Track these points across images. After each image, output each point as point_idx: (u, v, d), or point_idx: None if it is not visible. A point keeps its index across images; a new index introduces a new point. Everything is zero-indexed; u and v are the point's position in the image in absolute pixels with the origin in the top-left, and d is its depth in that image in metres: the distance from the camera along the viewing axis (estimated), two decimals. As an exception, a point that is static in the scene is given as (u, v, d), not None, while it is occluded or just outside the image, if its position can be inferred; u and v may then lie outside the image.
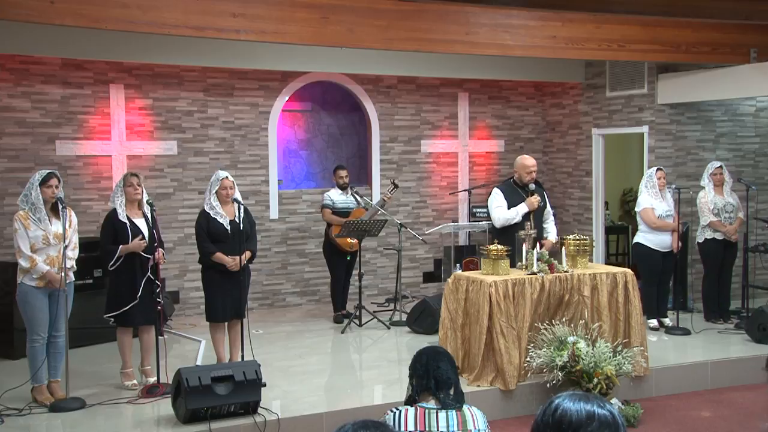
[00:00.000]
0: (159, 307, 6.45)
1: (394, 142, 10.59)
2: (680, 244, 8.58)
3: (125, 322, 6.50)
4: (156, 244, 6.44)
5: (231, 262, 6.62)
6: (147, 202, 6.54)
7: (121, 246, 6.34)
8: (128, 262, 6.41)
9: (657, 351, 7.46)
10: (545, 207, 7.58)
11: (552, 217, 7.76)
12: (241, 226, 6.60)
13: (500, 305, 6.39)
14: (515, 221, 7.28)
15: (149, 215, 6.49)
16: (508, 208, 7.33)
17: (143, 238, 6.41)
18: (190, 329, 8.71)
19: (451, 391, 3.49)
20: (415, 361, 3.59)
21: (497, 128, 11.23)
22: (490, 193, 7.70)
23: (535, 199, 7.34)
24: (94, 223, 8.88)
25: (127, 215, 6.44)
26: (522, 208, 7.28)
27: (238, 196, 6.71)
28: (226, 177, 6.71)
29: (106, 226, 6.49)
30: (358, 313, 8.81)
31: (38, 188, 6.01)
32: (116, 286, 6.47)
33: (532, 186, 7.44)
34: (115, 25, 6.50)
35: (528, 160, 7.51)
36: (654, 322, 8.51)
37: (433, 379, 3.47)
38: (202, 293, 7.07)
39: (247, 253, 6.71)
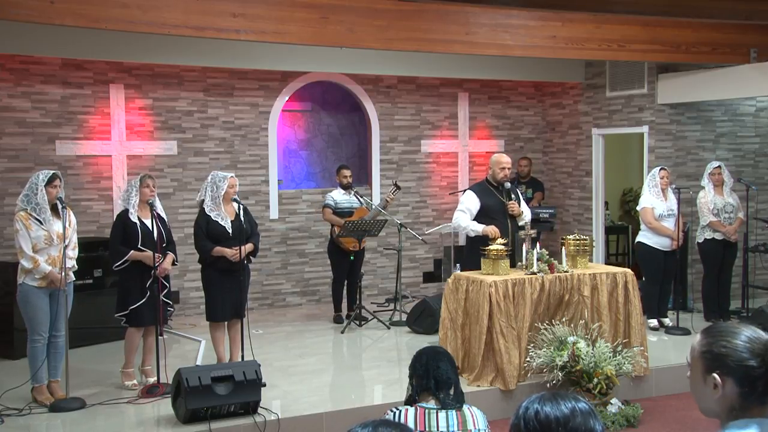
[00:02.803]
0: (170, 308, 6.48)
1: (394, 142, 10.59)
2: (681, 242, 8.58)
3: (136, 322, 6.50)
4: (165, 245, 6.47)
5: (231, 252, 6.60)
6: (147, 202, 6.55)
7: (132, 251, 6.35)
8: (137, 261, 6.42)
9: (657, 351, 7.47)
10: (519, 203, 7.38)
11: (524, 202, 7.55)
12: (243, 224, 6.63)
13: (500, 305, 6.39)
14: (466, 231, 7.16)
15: (163, 215, 6.52)
16: (482, 208, 7.15)
17: (154, 242, 6.40)
18: (190, 329, 8.71)
19: (451, 391, 3.49)
20: (415, 361, 3.59)
21: (497, 128, 11.24)
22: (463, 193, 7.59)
23: (515, 207, 7.19)
24: (94, 223, 8.89)
25: (138, 215, 6.46)
26: (477, 228, 7.04)
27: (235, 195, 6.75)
28: (232, 176, 6.76)
29: (117, 225, 6.52)
30: (357, 313, 8.82)
31: (44, 189, 6.02)
32: (125, 284, 6.49)
33: (507, 185, 7.27)
34: (115, 25, 6.50)
35: (503, 157, 7.36)
36: (654, 322, 8.51)
37: (433, 379, 3.47)
38: (202, 293, 7.08)
39: (249, 245, 6.71)
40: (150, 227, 6.45)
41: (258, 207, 9.68)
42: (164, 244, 6.47)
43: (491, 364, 6.48)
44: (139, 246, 6.39)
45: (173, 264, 6.63)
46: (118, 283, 6.64)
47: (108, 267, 7.87)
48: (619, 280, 6.85)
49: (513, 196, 7.29)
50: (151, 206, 6.49)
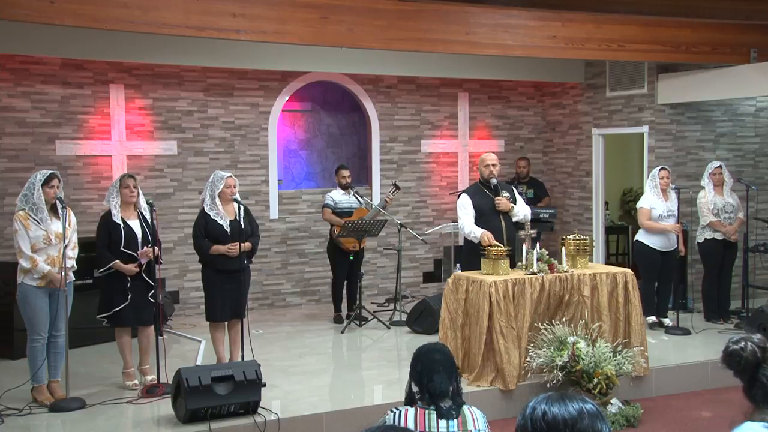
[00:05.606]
0: (155, 308, 6.44)
1: (394, 142, 10.59)
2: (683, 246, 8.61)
3: (118, 322, 6.50)
4: (149, 245, 6.42)
5: (226, 248, 6.59)
6: (147, 202, 6.54)
7: (116, 261, 6.33)
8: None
9: (657, 351, 7.47)
10: (515, 203, 7.30)
11: (522, 201, 7.48)
12: (242, 224, 6.62)
13: (500, 305, 6.39)
14: (470, 237, 7.07)
15: (148, 216, 6.48)
16: (475, 209, 7.09)
17: (139, 245, 6.39)
18: (190, 329, 8.71)
19: (447, 403, 3.44)
20: (412, 367, 3.55)
21: (497, 128, 11.24)
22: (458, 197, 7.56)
23: (503, 202, 7.11)
24: (94, 223, 8.81)
25: (122, 216, 6.43)
26: (476, 233, 6.95)
27: (236, 195, 6.72)
28: (230, 176, 6.73)
29: (101, 227, 6.47)
30: (357, 313, 8.82)
31: (40, 189, 6.01)
32: (107, 286, 6.48)
33: (494, 181, 7.21)
34: (115, 25, 6.50)
35: (488, 155, 7.36)
36: (652, 318, 8.49)
37: (427, 392, 3.44)
38: (202, 293, 7.07)
39: (247, 244, 6.70)
40: (134, 228, 6.43)
41: (258, 207, 9.68)
42: (149, 244, 6.43)
43: (491, 364, 6.47)
44: (122, 248, 6.36)
45: (158, 263, 6.49)
46: (102, 284, 6.62)
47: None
48: (619, 280, 6.85)
49: (506, 193, 7.24)
50: (151, 206, 6.47)
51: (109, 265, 6.34)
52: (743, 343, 2.31)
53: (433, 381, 3.42)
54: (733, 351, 2.32)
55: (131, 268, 6.36)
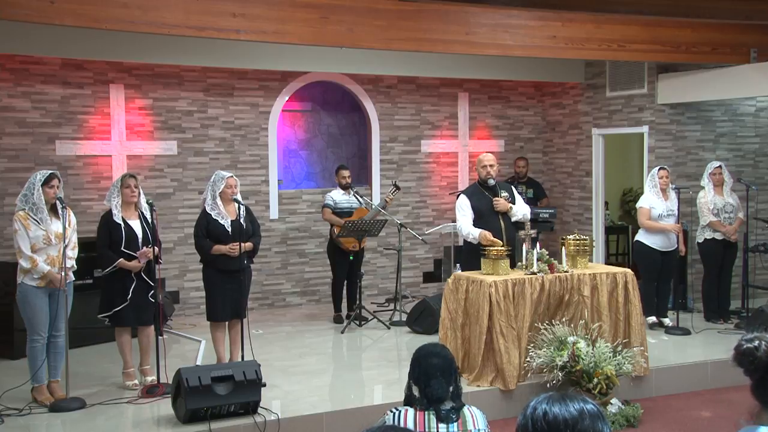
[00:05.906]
0: (155, 308, 6.44)
1: (394, 142, 10.59)
2: (682, 245, 8.61)
3: (119, 322, 6.50)
4: (150, 245, 6.42)
5: (227, 248, 6.59)
6: (147, 202, 6.54)
7: (120, 260, 6.34)
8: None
9: (657, 351, 7.47)
10: (514, 203, 7.28)
11: (521, 200, 7.46)
12: (243, 224, 6.62)
13: (500, 305, 6.39)
14: (469, 239, 7.05)
15: (148, 215, 6.48)
16: (474, 209, 7.07)
17: (140, 245, 6.39)
18: (190, 329, 8.71)
19: (446, 406, 3.44)
20: (411, 368, 3.55)
21: (497, 128, 11.24)
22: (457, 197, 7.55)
23: (500, 202, 7.07)
24: (94, 223, 8.83)
25: (122, 216, 6.43)
26: (474, 233, 6.92)
27: (237, 196, 6.72)
28: (231, 176, 6.73)
29: (101, 227, 6.47)
30: (357, 313, 8.82)
31: (40, 189, 6.01)
32: (107, 286, 6.48)
33: (491, 181, 7.19)
34: (115, 25, 6.51)
35: (485, 156, 7.32)
36: (652, 318, 8.49)
37: (425, 397, 3.44)
38: (202, 293, 7.07)
39: (248, 244, 6.70)
40: (135, 228, 6.43)
41: (258, 207, 9.67)
42: (149, 244, 6.43)
43: (491, 364, 6.47)
44: (123, 248, 6.36)
45: (157, 263, 6.48)
46: (102, 284, 6.62)
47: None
48: (619, 280, 6.85)
49: (505, 193, 7.22)
50: (151, 206, 6.47)
51: (114, 264, 6.34)
52: (757, 342, 2.30)
53: (431, 386, 3.41)
54: (747, 349, 2.30)
55: (135, 264, 6.37)
